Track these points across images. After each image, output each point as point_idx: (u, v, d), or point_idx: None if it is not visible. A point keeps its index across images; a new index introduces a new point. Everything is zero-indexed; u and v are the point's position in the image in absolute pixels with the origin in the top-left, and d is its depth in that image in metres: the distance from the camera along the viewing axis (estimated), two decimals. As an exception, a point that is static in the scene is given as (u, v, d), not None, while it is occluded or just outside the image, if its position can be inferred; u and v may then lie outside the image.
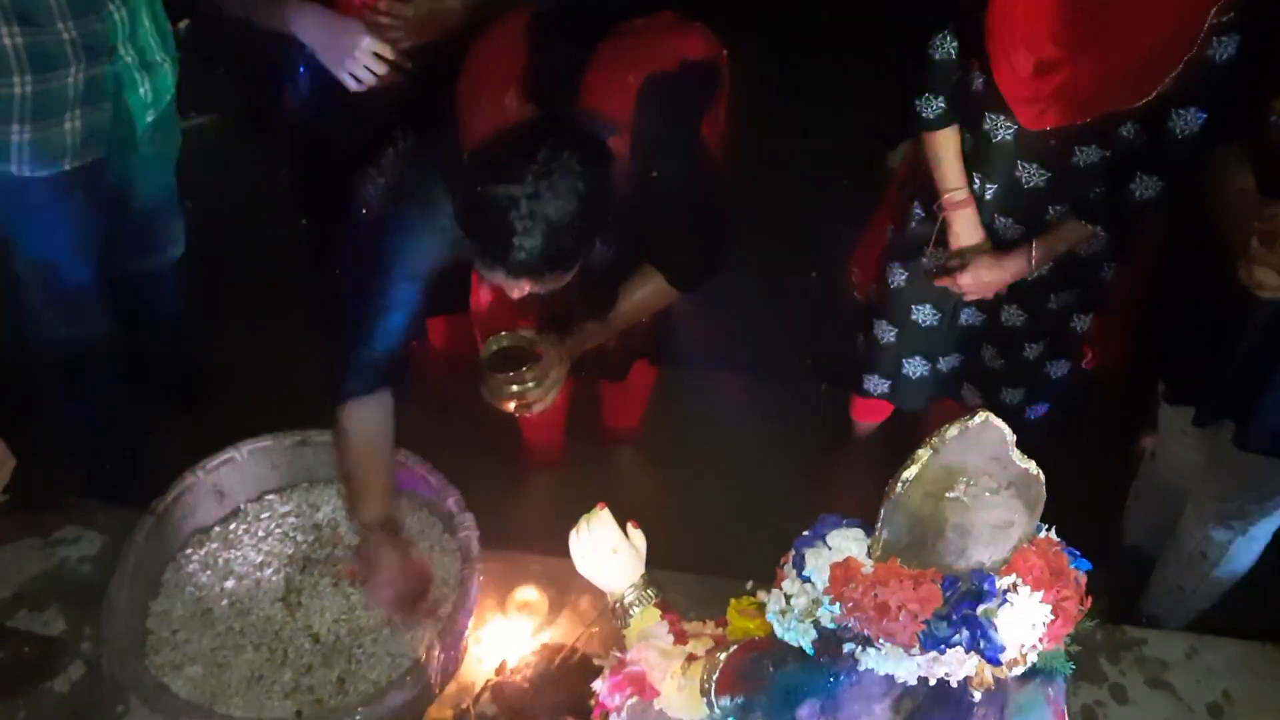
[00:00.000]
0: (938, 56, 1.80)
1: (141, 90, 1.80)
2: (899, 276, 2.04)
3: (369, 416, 1.64)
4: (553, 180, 1.32)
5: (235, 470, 1.87)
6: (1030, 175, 1.80)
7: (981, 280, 1.89)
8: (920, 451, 0.91)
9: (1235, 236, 1.49)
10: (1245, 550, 1.90)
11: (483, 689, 1.69)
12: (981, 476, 0.93)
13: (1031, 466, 0.91)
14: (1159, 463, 2.05)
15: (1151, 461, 2.08)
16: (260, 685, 1.67)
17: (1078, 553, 0.97)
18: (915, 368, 2.12)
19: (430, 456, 1.86)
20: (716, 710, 1.12)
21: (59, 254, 1.90)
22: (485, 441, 2.18)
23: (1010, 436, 0.93)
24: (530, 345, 1.72)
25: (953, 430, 0.90)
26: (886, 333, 2.10)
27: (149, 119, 1.85)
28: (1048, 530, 0.96)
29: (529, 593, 1.84)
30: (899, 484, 0.93)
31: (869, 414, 2.45)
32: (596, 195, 1.36)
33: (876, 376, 2.17)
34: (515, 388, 1.69)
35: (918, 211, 1.98)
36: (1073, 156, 1.76)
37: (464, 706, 1.67)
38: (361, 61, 1.70)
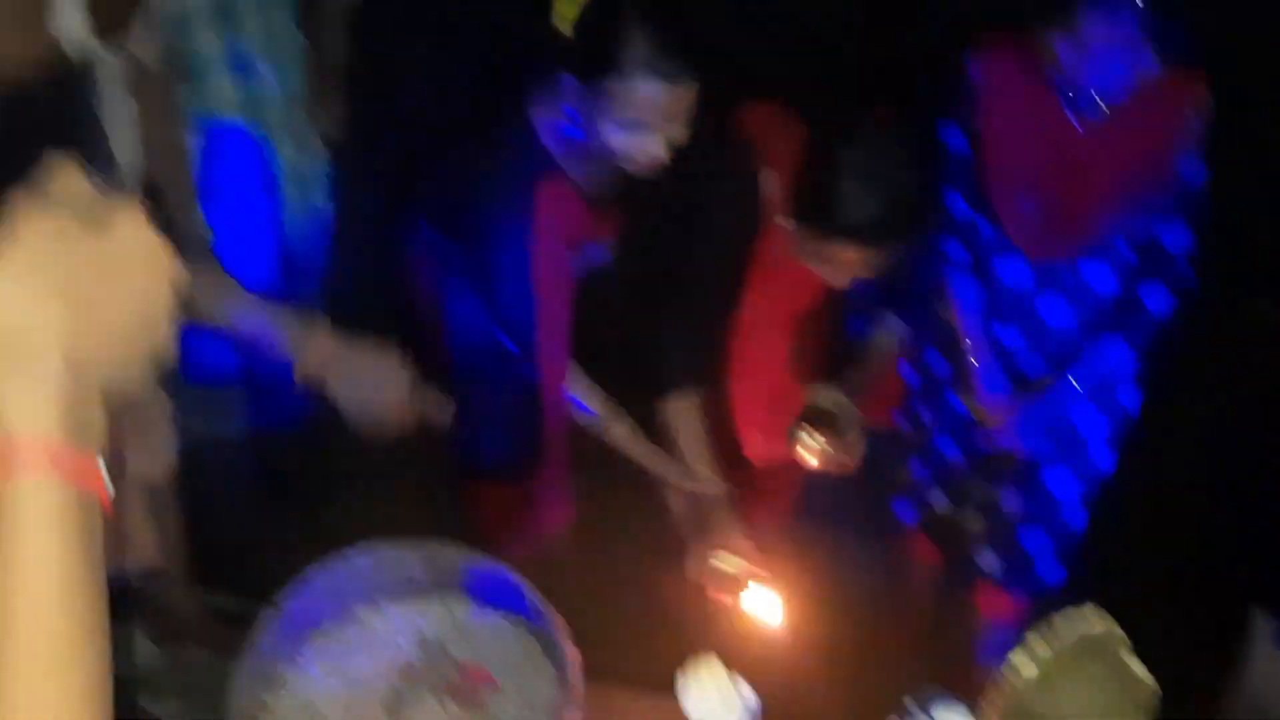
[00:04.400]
0: (957, 217, 1.97)
1: (299, 219, 1.97)
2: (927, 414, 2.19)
3: (687, 411, 1.92)
4: (892, 148, 1.66)
5: (354, 574, 1.95)
6: (1051, 310, 1.92)
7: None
8: (1038, 649, 0.94)
9: None
10: None
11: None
12: (1089, 671, 0.96)
13: (1145, 675, 0.93)
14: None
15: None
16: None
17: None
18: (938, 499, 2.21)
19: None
20: None
21: (201, 354, 2.05)
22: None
23: (1124, 638, 0.97)
24: (832, 408, 1.91)
25: (1070, 632, 0.94)
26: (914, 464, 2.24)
27: (308, 246, 2.01)
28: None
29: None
30: (1012, 676, 0.96)
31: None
32: (922, 172, 1.68)
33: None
34: (829, 447, 1.87)
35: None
36: (1088, 283, 1.86)
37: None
38: None
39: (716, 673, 1.51)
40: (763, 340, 1.99)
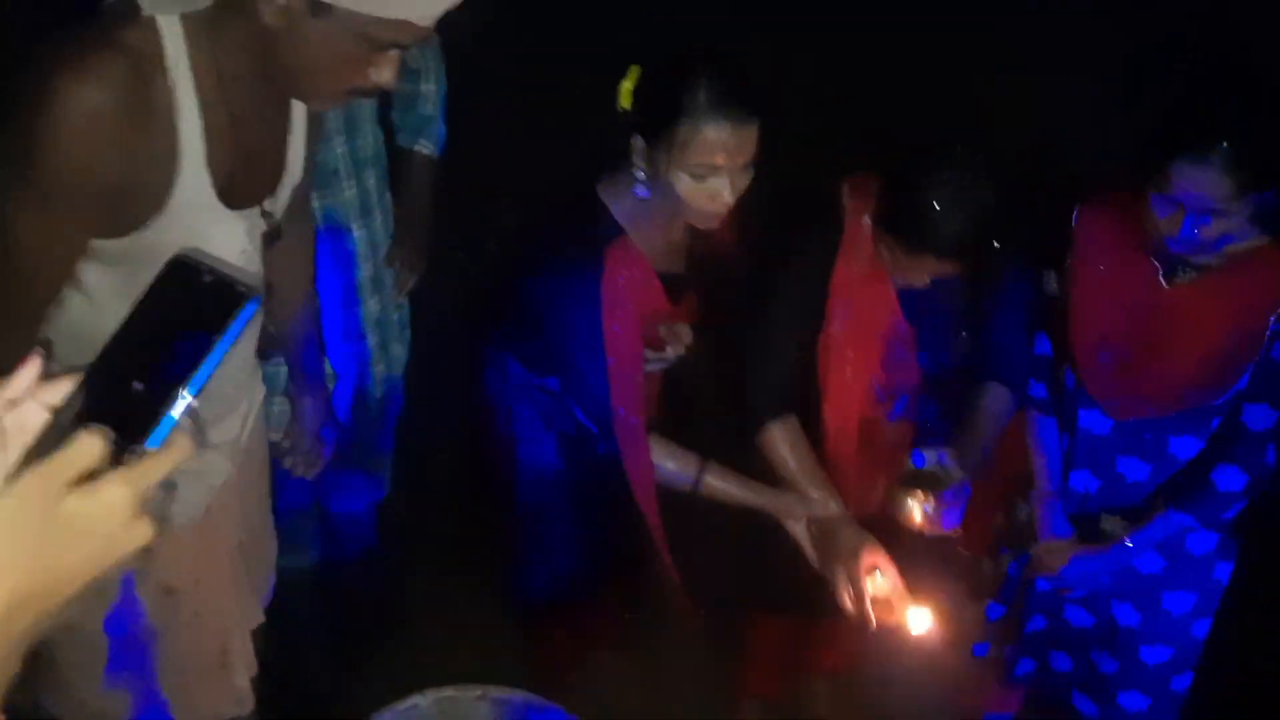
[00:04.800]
0: (1037, 353, 1.97)
1: (379, 367, 2.06)
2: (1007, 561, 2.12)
3: (788, 436, 1.89)
4: (971, 171, 1.70)
5: (419, 717, 1.98)
6: (1131, 468, 1.88)
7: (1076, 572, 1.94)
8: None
9: None
10: None
11: None
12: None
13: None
14: None
15: None
16: None
17: None
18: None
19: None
20: None
21: (282, 486, 2.13)
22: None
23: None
24: (935, 470, 1.89)
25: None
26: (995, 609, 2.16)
27: (383, 389, 2.10)
28: None
29: None
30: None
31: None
32: (996, 190, 1.70)
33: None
34: (929, 506, 1.85)
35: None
36: (1169, 447, 1.84)
37: None
38: None
39: None
40: (849, 361, 1.93)
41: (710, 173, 1.63)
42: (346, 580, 2.50)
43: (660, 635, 1.93)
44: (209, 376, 0.72)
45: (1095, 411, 1.90)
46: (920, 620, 1.81)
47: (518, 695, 1.90)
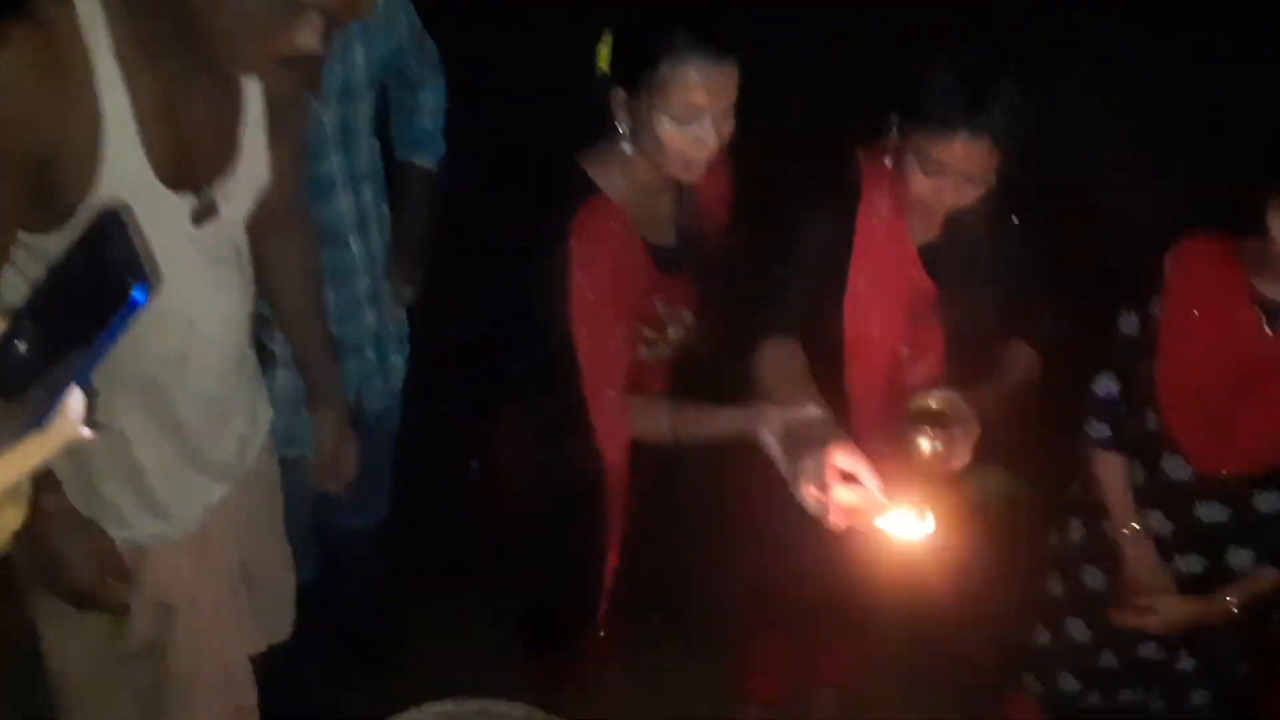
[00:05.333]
0: (1101, 394, 1.88)
1: (377, 381, 2.06)
2: (1057, 586, 2.05)
3: (780, 351, 1.82)
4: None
5: (418, 735, 1.96)
6: (1210, 513, 1.83)
7: (1170, 621, 1.88)
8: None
9: None
10: None
11: None
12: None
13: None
14: None
15: None
16: None
17: None
18: (1067, 682, 2.08)
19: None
20: None
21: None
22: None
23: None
24: (944, 407, 1.78)
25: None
26: (1041, 635, 2.10)
27: (382, 404, 2.09)
28: None
29: None
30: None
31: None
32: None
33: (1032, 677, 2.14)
34: (938, 444, 1.74)
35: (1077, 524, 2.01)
36: (1252, 499, 1.79)
37: None
38: None
39: None
40: (873, 321, 1.89)
41: (693, 115, 1.63)
42: (346, 597, 2.49)
43: (659, 643, 1.90)
44: (94, 366, 0.67)
45: (1176, 457, 1.83)
46: (902, 524, 1.52)
47: (518, 708, 1.90)
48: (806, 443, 1.59)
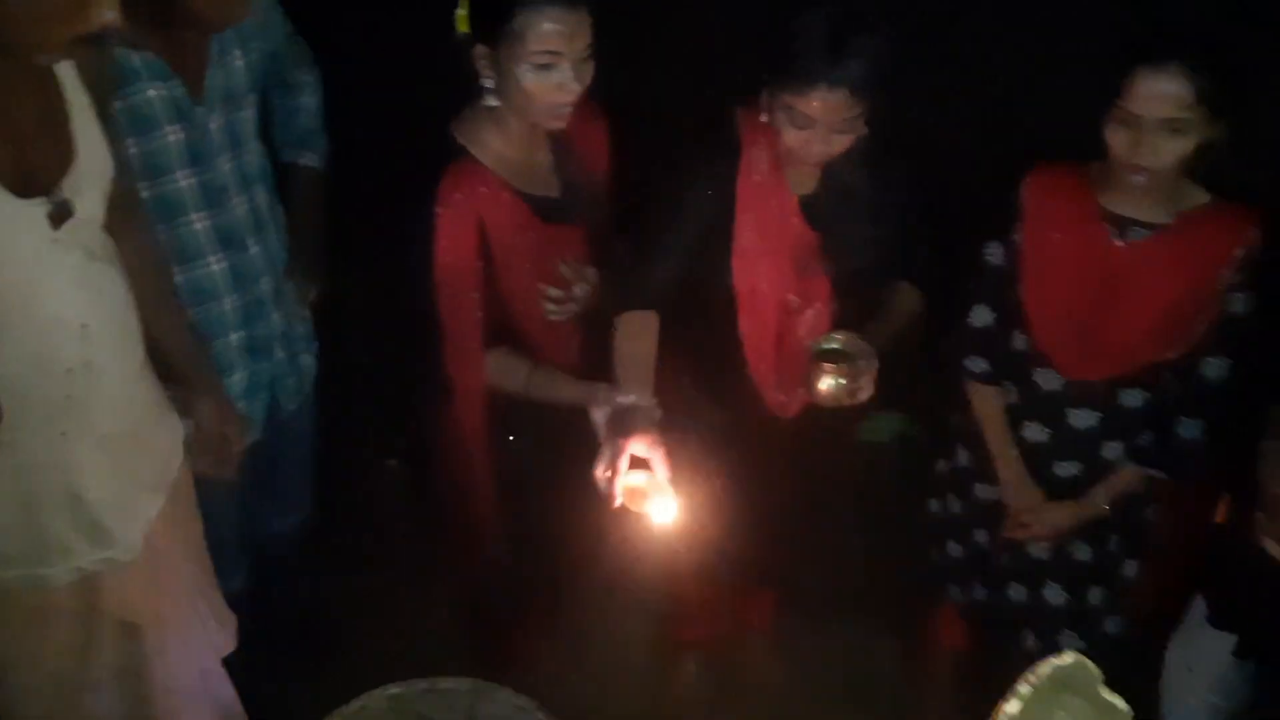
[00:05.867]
0: (977, 324, 2.02)
1: (289, 381, 2.08)
2: (955, 504, 2.22)
3: (634, 327, 1.91)
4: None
5: (371, 718, 2.00)
6: (1081, 418, 1.98)
7: (1053, 526, 2.04)
8: (1020, 688, 1.05)
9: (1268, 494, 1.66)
10: None
11: None
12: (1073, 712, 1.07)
13: (1119, 702, 1.04)
14: None
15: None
16: None
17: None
18: (980, 589, 2.23)
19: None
20: None
21: (206, 516, 2.12)
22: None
23: (1096, 670, 1.08)
24: (845, 345, 1.91)
25: (1046, 669, 1.05)
26: (954, 549, 2.26)
27: (295, 403, 2.11)
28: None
29: None
30: (1000, 715, 1.07)
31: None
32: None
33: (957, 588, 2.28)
34: (843, 380, 1.87)
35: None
36: (1119, 399, 1.94)
37: None
38: None
39: None
40: (761, 274, 1.98)
41: (552, 61, 1.72)
42: (279, 600, 2.49)
43: (597, 598, 1.97)
44: None
45: (1048, 370, 1.97)
46: (663, 510, 1.74)
47: (464, 682, 1.95)
48: (619, 427, 1.77)
